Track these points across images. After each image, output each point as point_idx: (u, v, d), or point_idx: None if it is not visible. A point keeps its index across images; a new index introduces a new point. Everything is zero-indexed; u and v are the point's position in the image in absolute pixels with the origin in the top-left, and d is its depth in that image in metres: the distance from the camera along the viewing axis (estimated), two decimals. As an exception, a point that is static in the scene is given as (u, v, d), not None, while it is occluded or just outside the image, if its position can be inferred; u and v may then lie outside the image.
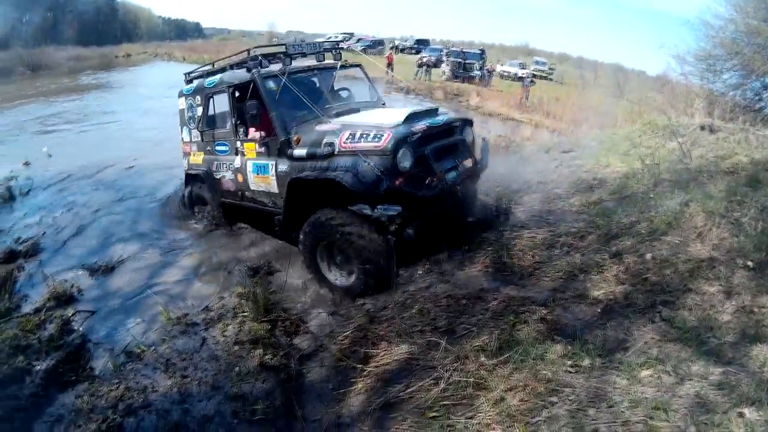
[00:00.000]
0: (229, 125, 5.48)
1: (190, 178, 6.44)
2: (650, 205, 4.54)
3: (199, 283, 5.07)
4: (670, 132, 6.45)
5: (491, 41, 59.93)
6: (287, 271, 4.80)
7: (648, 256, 3.76)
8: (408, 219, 4.09)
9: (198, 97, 5.94)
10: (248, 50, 5.50)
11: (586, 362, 2.75)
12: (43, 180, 8.37)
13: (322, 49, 5.72)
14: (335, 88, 5.77)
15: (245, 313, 4.16)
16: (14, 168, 8.72)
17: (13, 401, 3.51)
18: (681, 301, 3.27)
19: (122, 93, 22.00)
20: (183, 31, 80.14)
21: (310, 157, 4.46)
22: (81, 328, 4.42)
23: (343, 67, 5.85)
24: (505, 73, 33.99)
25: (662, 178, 5.16)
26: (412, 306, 3.71)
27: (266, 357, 3.62)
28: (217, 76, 5.71)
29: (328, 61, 5.77)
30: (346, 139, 4.27)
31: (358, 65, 6.02)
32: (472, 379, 2.70)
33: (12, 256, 5.76)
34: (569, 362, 2.76)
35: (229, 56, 6.25)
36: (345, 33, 46.80)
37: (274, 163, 4.90)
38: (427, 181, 4.23)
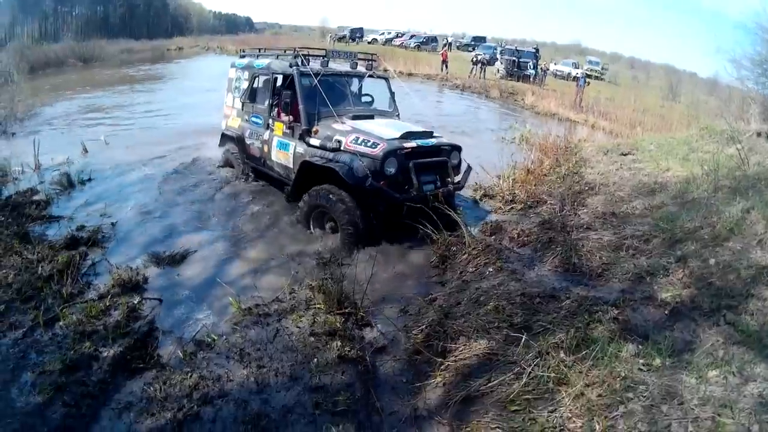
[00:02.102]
0: (266, 104, 7.00)
1: (226, 138, 8.09)
2: (712, 210, 4.83)
3: (268, 275, 5.32)
4: (728, 138, 6.68)
5: (543, 39, 60.59)
6: (355, 265, 5.03)
7: (712, 261, 4.07)
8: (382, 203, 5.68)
9: (246, 73, 7.59)
10: (295, 48, 6.90)
11: (657, 361, 3.08)
12: (101, 168, 8.65)
13: (356, 58, 7.25)
14: (361, 93, 7.39)
15: (318, 306, 4.39)
16: (71, 156, 9.05)
17: (81, 387, 3.59)
18: (744, 305, 3.55)
19: (176, 84, 22.55)
20: (234, 25, 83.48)
21: (322, 147, 5.96)
22: (148, 316, 4.59)
23: (371, 77, 7.32)
24: (559, 72, 34.66)
25: (721, 184, 5.42)
26: (486, 303, 4.06)
27: (344, 349, 3.80)
28: (266, 61, 7.26)
29: (361, 67, 7.27)
30: (351, 140, 5.73)
31: (386, 78, 7.52)
32: (552, 374, 3.04)
33: (74, 242, 5.91)
34: (641, 361, 3.09)
35: (281, 48, 7.88)
36: (398, 31, 49.77)
37: (294, 144, 6.42)
38: (406, 187, 5.65)
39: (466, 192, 7.52)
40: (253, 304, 4.59)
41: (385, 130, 5.98)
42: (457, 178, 6.31)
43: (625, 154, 7.62)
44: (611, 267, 4.44)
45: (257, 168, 7.51)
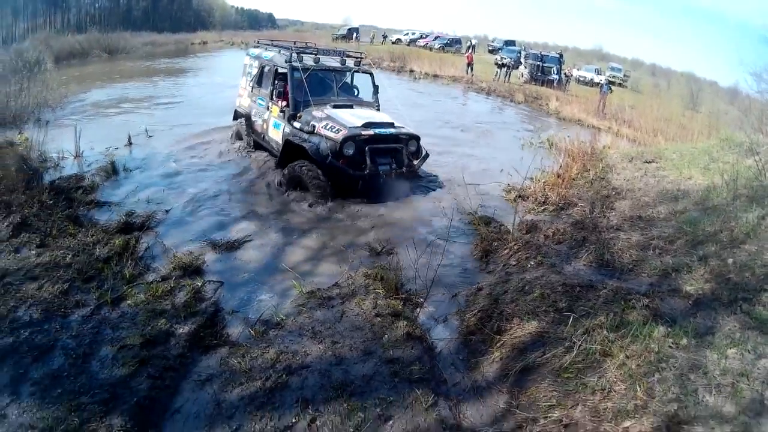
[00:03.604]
0: (268, 89, 8.80)
1: (238, 114, 10.16)
2: (730, 216, 5.55)
3: (322, 262, 5.90)
4: (747, 149, 7.41)
5: (565, 43, 61.72)
6: (407, 253, 5.62)
7: (730, 260, 4.79)
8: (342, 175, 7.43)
9: (256, 62, 9.61)
10: (293, 44, 9.68)
11: (684, 341, 3.79)
12: (143, 157, 9.24)
13: (344, 55, 9.28)
14: (348, 84, 9.28)
15: (378, 291, 4.95)
16: (114, 145, 9.59)
17: (162, 360, 3.91)
18: (758, 298, 4.21)
19: (205, 78, 22.98)
20: (255, 21, 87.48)
21: (301, 130, 7.74)
22: (212, 297, 4.98)
23: (356, 72, 9.30)
24: (581, 78, 35.42)
25: (740, 192, 6.13)
26: (531, 291, 4.77)
27: (410, 328, 4.37)
28: (271, 54, 9.21)
29: (350, 62, 9.29)
30: (322, 126, 7.47)
31: (371, 73, 9.44)
32: (599, 347, 3.77)
33: (127, 227, 6.28)
34: (671, 340, 3.80)
35: (289, 41, 10.38)
36: (422, 32, 52.18)
37: (284, 125, 8.21)
38: (362, 166, 7.37)
39: (502, 193, 8.34)
40: (314, 288, 5.11)
41: (352, 119, 7.66)
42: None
43: (649, 162, 8.30)
44: (640, 264, 5.15)
45: (258, 141, 9.42)
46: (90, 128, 9.70)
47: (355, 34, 52.69)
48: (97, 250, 5.46)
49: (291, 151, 7.81)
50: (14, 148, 8.12)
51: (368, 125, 7.55)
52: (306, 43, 11.06)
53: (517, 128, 17.09)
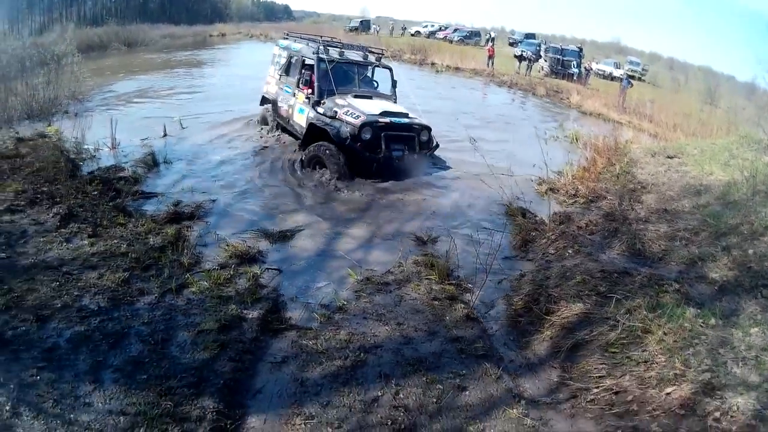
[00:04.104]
0: (295, 78, 9.91)
1: (264, 99, 11.30)
2: (751, 211, 6.18)
3: (372, 250, 6.35)
4: (765, 147, 8.03)
5: (583, 36, 62.24)
6: (451, 242, 6.15)
7: (750, 251, 5.42)
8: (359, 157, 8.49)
9: (285, 53, 10.76)
10: (321, 38, 10.47)
11: (713, 321, 4.41)
12: (181, 148, 9.64)
13: (367, 50, 10.51)
14: (369, 78, 10.36)
15: (430, 277, 5.44)
16: (147, 136, 9.96)
17: (239, 344, 4.14)
18: None
19: (229, 70, 23.55)
20: (272, 13, 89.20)
21: (324, 115, 8.69)
22: (271, 284, 5.25)
23: (376, 66, 10.45)
24: (600, 72, 36.16)
25: (759, 189, 6.76)
26: (573, 277, 5.41)
27: (468, 310, 4.92)
28: (299, 47, 10.40)
29: (372, 57, 10.50)
30: (343, 112, 8.51)
31: (389, 68, 10.63)
32: (640, 325, 4.43)
33: (177, 217, 6.51)
34: (701, 320, 4.43)
35: (313, 35, 11.35)
36: (441, 24, 53.82)
37: (308, 110, 9.19)
38: (378, 150, 8.44)
39: (533, 185, 9.03)
40: (368, 275, 5.55)
41: (370, 108, 8.70)
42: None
43: (671, 157, 8.91)
44: (669, 253, 5.78)
45: (283, 125, 10.59)
46: (118, 120, 9.79)
47: (374, 27, 53.82)
48: (151, 239, 5.70)
49: (314, 134, 8.80)
50: (47, 139, 8.38)
51: (385, 114, 8.59)
52: (332, 38, 12.03)
53: (541, 121, 17.71)
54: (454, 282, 5.58)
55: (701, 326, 4.35)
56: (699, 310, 4.53)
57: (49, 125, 9.63)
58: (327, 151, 8.43)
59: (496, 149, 11.87)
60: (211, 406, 3.51)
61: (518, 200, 8.08)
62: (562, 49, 34.33)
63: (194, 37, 43.61)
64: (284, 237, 6.48)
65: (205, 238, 6.18)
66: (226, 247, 5.82)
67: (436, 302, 5.07)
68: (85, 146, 8.63)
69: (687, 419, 3.50)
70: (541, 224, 7.14)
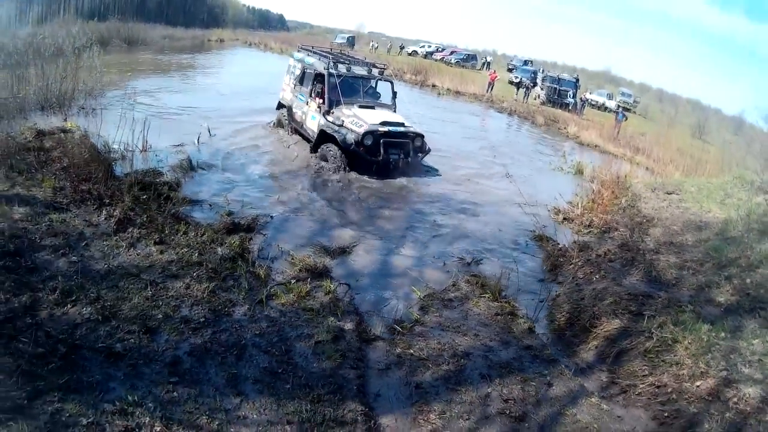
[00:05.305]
0: (308, 88, 11.98)
1: (280, 105, 13.66)
2: (747, 246, 7.70)
3: (425, 268, 7.21)
4: (757, 188, 9.68)
5: (573, 63, 65.02)
6: (502, 270, 7.28)
7: (748, 280, 6.91)
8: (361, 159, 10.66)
9: (299, 65, 12.90)
10: (330, 52, 13.47)
11: (722, 334, 5.80)
12: (212, 154, 10.57)
13: (372, 65, 12.50)
14: (374, 90, 12.57)
15: (486, 295, 6.39)
16: (182, 142, 10.70)
17: (352, 353, 4.68)
18: None
19: (245, 77, 24.08)
20: (266, 21, 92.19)
21: (333, 123, 10.73)
22: (345, 299, 5.81)
23: (379, 80, 12.68)
24: (593, 102, 38.72)
25: (752, 227, 8.32)
26: (604, 298, 6.77)
27: (530, 324, 5.98)
28: (312, 60, 12.38)
29: (375, 72, 12.53)
30: (349, 121, 10.60)
31: (391, 81, 12.94)
32: (670, 336, 5.85)
33: (234, 228, 6.94)
34: (713, 334, 5.84)
35: (326, 48, 14.73)
36: (437, 44, 56.78)
37: (319, 118, 11.22)
38: (377, 154, 10.47)
39: (550, 214, 10.51)
40: (429, 292, 6.37)
41: (372, 118, 10.77)
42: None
43: (670, 193, 10.42)
44: (681, 280, 7.21)
45: (297, 129, 12.70)
46: (138, 120, 9.58)
47: (372, 44, 56.36)
48: (219, 249, 6.11)
49: (323, 138, 10.95)
50: (71, 134, 8.58)
51: (384, 123, 10.67)
52: (340, 52, 15.01)
53: (545, 152, 19.55)
54: (504, 300, 6.51)
55: (714, 338, 5.76)
56: (711, 326, 5.91)
57: (65, 120, 10.07)
58: (329, 151, 10.74)
59: (507, 178, 13.29)
60: (359, 409, 4.05)
61: (544, 228, 9.48)
62: (560, 78, 36.21)
63: (193, 40, 45.46)
64: (343, 252, 7.18)
65: (268, 251, 6.70)
66: (293, 261, 6.41)
67: (499, 317, 6.03)
68: (113, 146, 8.75)
69: (714, 403, 4.87)
70: (564, 251, 8.54)
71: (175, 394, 3.77)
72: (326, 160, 10.81)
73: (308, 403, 3.97)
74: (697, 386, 5.15)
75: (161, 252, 5.79)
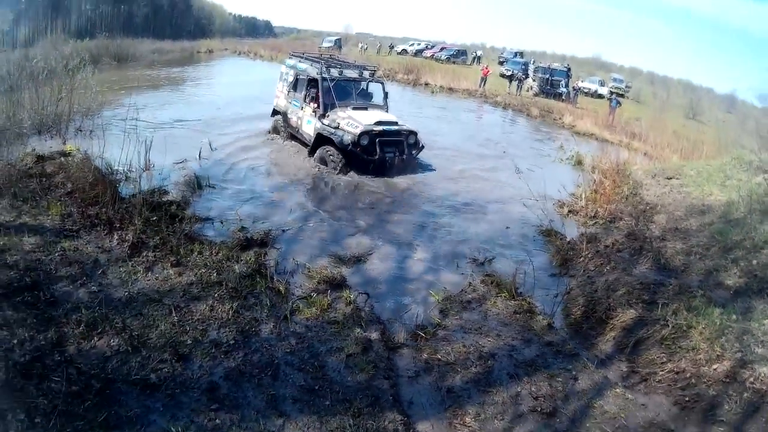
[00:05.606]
0: (302, 93, 12.37)
1: (275, 111, 13.95)
2: (750, 228, 7.98)
3: (440, 271, 7.32)
4: (756, 168, 9.96)
5: (563, 52, 65.45)
6: (516, 269, 7.27)
7: (754, 261, 7.21)
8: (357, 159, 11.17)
9: (291, 71, 13.20)
10: (321, 57, 13.57)
11: (734, 317, 6.09)
12: (216, 170, 10.57)
13: (363, 68, 12.93)
14: (366, 91, 12.74)
15: (502, 294, 6.52)
16: (184, 158, 10.79)
17: (383, 363, 4.77)
18: None
19: (238, 87, 24.10)
20: (254, 29, 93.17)
21: (329, 125, 11.23)
22: (366, 308, 5.86)
23: (370, 81, 12.95)
24: (585, 90, 38.93)
25: (754, 207, 8.60)
26: (617, 289, 7.01)
27: (549, 320, 6.13)
28: (304, 66, 12.73)
29: (366, 74, 12.97)
30: (344, 123, 11.08)
31: (381, 82, 13.30)
32: (684, 323, 6.11)
33: (248, 244, 6.97)
34: (725, 317, 6.13)
35: (316, 53, 16.00)
36: (426, 42, 56.79)
37: (315, 122, 11.72)
38: (374, 153, 10.96)
39: (554, 208, 10.75)
40: (446, 294, 6.49)
41: (367, 119, 11.21)
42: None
43: (670, 178, 10.72)
44: (689, 266, 7.48)
45: (293, 134, 13.11)
46: (135, 139, 9.36)
47: (361, 45, 56.29)
48: (236, 267, 6.11)
49: (321, 141, 11.43)
50: (71, 158, 8.50)
51: (378, 123, 11.17)
52: (330, 55, 15.52)
53: (541, 143, 19.87)
54: (521, 298, 6.62)
55: (727, 321, 6.02)
56: (723, 309, 6.19)
57: (65, 143, 10.03)
58: (328, 153, 11.20)
59: (511, 172, 13.63)
60: (398, 419, 4.16)
61: (551, 222, 9.71)
62: (551, 69, 36.65)
63: (182, 52, 44.89)
64: (358, 261, 7.27)
65: (284, 265, 6.75)
66: (311, 273, 6.48)
67: (518, 315, 6.19)
68: (116, 167, 8.61)
69: (732, 384, 5.14)
70: (573, 244, 8.77)
71: (218, 421, 3.81)
72: (325, 163, 11.27)
73: (350, 417, 4.05)
74: (715, 369, 5.41)
75: (179, 274, 5.82)
